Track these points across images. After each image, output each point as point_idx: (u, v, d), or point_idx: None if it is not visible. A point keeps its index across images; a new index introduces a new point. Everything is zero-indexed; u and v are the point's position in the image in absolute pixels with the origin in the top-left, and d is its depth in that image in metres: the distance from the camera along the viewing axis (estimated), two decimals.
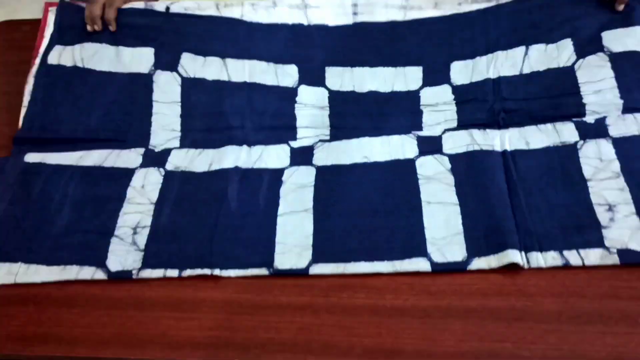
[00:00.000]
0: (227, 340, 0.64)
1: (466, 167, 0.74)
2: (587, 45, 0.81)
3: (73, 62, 0.88)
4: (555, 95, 0.79)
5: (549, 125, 0.77)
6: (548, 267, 0.66)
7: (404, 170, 0.75)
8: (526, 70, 0.82)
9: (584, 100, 0.77)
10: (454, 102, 0.82)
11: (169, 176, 0.78)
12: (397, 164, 0.77)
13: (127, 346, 0.64)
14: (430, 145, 0.78)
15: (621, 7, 0.81)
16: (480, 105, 0.81)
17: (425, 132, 0.80)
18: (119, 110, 0.85)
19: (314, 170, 0.77)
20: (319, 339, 0.63)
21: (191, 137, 0.83)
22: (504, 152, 0.75)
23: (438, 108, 0.82)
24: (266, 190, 0.75)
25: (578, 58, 0.80)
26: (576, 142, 0.74)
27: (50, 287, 0.70)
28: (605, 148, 0.73)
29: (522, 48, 0.83)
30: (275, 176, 0.77)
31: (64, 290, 0.69)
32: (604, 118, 0.75)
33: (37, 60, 0.89)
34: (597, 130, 0.75)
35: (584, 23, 0.82)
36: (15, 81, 0.91)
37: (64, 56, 0.88)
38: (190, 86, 0.86)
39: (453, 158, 0.76)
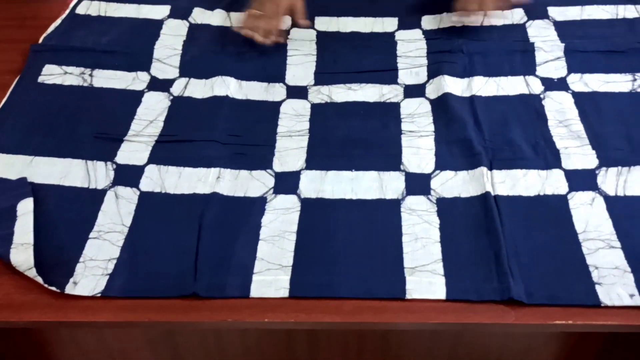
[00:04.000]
0: (220, 302, 0.66)
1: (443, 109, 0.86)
2: (535, 14, 1.00)
3: (98, 13, 1.04)
4: (508, 39, 0.96)
5: (520, 77, 0.89)
6: None
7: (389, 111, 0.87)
8: (485, 24, 0.99)
9: (531, 41, 0.95)
10: (424, 37, 0.98)
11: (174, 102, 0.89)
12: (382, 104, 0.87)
13: (121, 309, 0.65)
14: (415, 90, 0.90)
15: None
16: (446, 41, 0.96)
17: (408, 81, 0.91)
18: (128, 35, 0.99)
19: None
20: (308, 300, 0.66)
21: (190, 55, 0.96)
22: (471, 98, 0.87)
23: (410, 42, 0.97)
24: None
25: (528, 19, 0.99)
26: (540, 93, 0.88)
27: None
28: (566, 101, 0.86)
29: (481, 12, 0.99)
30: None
31: None
32: (565, 77, 0.89)
33: (66, 12, 1.04)
34: (560, 85, 0.88)
35: (532, 2, 1.01)
36: None
37: (91, 8, 1.05)
38: (195, 29, 1.01)
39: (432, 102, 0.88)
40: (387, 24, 1.01)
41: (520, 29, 0.98)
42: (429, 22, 1.01)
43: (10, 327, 0.68)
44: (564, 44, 0.94)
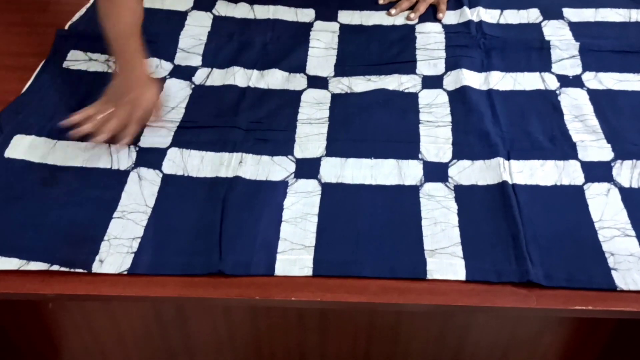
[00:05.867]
0: (248, 280, 0.67)
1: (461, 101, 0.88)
2: (551, 14, 1.03)
3: None
4: (525, 36, 0.99)
5: (536, 74, 0.92)
6: None
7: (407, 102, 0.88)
8: (502, 22, 1.03)
9: (547, 38, 0.98)
10: (443, 31, 1.00)
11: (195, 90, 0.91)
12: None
13: (151, 284, 0.66)
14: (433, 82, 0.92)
15: None
16: (465, 35, 0.99)
17: (426, 72, 0.93)
18: (153, 25, 0.98)
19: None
20: (334, 280, 0.67)
21: (214, 45, 0.97)
22: (489, 92, 0.89)
23: (430, 35, 1.00)
24: None
25: (544, 19, 1.02)
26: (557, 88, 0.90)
27: None
28: (581, 97, 0.88)
29: (498, 10, 1.05)
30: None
31: None
32: (580, 75, 0.92)
33: (90, 2, 1.06)
34: (575, 82, 0.90)
35: (547, 3, 1.05)
36: None
37: None
38: (219, 20, 1.03)
39: (450, 94, 0.90)
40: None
41: (536, 27, 1.01)
42: (448, 16, 1.03)
43: (24, 300, 0.69)
44: (578, 43, 0.96)
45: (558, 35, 0.98)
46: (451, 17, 1.03)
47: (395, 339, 1.00)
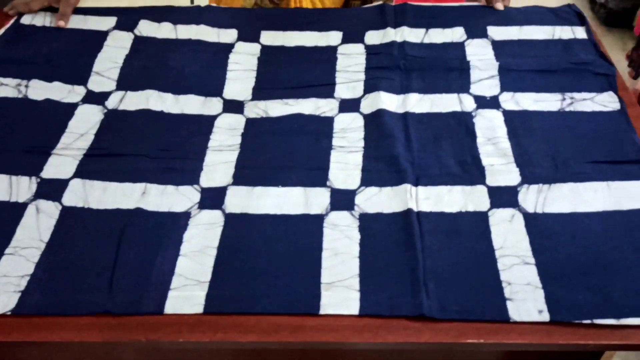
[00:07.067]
0: (137, 320, 0.66)
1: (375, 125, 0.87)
2: (475, 33, 1.03)
3: (43, 23, 1.04)
4: (447, 56, 0.98)
5: (454, 95, 0.91)
6: None
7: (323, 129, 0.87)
8: (426, 41, 1.02)
9: (468, 59, 0.97)
10: (365, 52, 1.00)
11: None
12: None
13: (36, 329, 0.64)
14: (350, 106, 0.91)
15: (500, 7, 1.07)
16: (386, 57, 0.98)
17: (344, 95, 0.92)
18: (71, 47, 0.99)
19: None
20: (226, 318, 0.66)
21: (130, 68, 0.96)
22: (405, 115, 0.89)
23: (351, 57, 0.99)
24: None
25: (468, 38, 1.02)
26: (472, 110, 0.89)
27: None
28: (496, 119, 0.88)
29: (423, 30, 1.04)
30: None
31: None
32: (497, 96, 0.92)
33: (10, 22, 1.04)
34: (492, 103, 0.91)
35: (473, 21, 1.05)
36: None
37: (36, 19, 1.05)
38: (140, 42, 1.01)
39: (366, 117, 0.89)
40: (331, 38, 1.03)
41: (459, 47, 1.00)
42: (372, 37, 1.02)
43: None
44: (498, 63, 0.96)
45: (480, 55, 0.98)
46: (374, 37, 1.02)
47: None
